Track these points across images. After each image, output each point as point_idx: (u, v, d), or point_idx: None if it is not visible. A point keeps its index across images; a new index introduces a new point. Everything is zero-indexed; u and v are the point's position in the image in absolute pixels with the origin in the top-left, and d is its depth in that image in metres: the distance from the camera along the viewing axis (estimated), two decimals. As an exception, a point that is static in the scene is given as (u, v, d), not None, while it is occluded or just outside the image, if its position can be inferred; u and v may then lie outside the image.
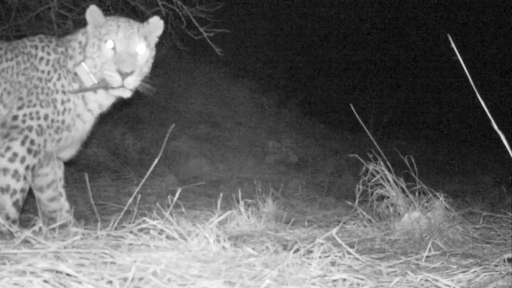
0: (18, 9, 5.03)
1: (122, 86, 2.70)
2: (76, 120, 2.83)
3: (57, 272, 1.60)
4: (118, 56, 2.68)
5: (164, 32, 5.58)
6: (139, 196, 2.57)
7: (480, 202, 4.41)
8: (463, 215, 3.07)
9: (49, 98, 2.73)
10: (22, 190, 2.65)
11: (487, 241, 2.78)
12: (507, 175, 5.74)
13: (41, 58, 2.78)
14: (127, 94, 2.78)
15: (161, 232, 2.06)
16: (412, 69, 11.87)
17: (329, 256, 2.00)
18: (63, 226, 2.55)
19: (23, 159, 2.62)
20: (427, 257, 2.31)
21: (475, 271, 2.04)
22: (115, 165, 5.44)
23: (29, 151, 2.64)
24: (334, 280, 1.82)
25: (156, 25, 2.87)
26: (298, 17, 11.07)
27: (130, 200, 2.62)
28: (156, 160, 2.64)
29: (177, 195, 2.35)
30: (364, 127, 3.26)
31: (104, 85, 2.76)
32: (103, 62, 2.71)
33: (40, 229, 2.25)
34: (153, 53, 2.85)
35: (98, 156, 5.53)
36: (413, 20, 11.95)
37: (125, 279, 1.62)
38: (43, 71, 2.76)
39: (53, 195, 2.97)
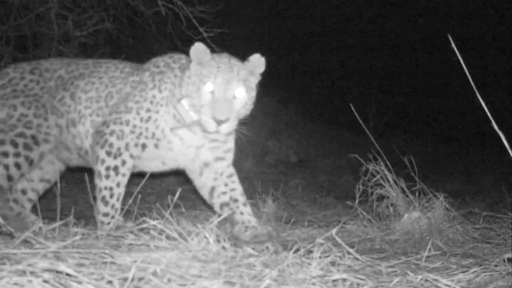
0: (18, 9, 5.03)
1: (217, 131, 2.66)
2: (169, 136, 2.81)
3: (57, 272, 1.60)
4: (215, 102, 2.62)
5: (164, 32, 5.62)
6: (139, 196, 2.57)
7: (480, 202, 4.41)
8: (463, 215, 3.07)
9: (136, 105, 2.77)
10: (118, 185, 2.75)
11: (487, 241, 2.78)
12: (507, 175, 5.73)
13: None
14: (221, 137, 2.84)
15: (161, 232, 2.06)
16: (412, 69, 11.87)
17: (329, 256, 2.00)
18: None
19: (103, 161, 2.74)
20: (427, 257, 2.31)
21: (475, 271, 2.04)
22: (115, 165, 5.42)
23: (108, 153, 2.73)
24: (334, 280, 1.82)
25: (257, 63, 2.78)
26: (299, 18, 11.07)
27: (130, 200, 2.63)
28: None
29: (177, 195, 2.36)
30: (364, 127, 3.26)
31: (199, 124, 2.74)
32: (201, 104, 2.66)
33: (40, 229, 2.25)
34: (253, 93, 2.76)
35: (98, 156, 5.50)
36: (413, 20, 11.95)
37: (125, 279, 1.62)
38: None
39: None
